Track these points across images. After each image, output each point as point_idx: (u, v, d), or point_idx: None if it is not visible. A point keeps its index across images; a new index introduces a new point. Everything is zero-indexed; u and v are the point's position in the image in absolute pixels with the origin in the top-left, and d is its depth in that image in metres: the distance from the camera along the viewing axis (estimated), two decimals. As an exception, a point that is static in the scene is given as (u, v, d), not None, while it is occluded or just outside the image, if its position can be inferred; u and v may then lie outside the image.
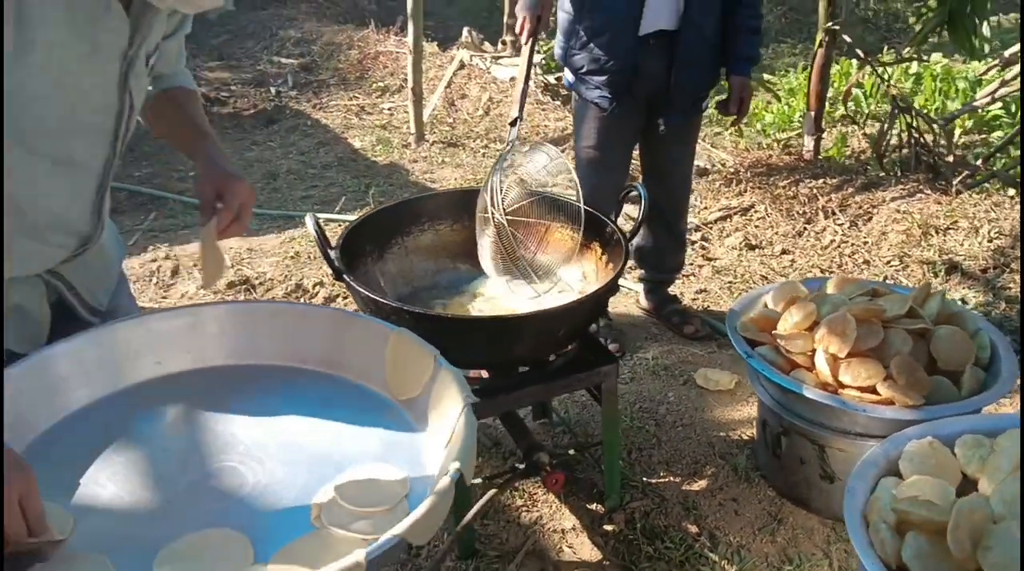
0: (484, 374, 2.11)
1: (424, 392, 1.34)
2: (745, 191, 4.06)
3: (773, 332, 2.24)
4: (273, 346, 1.46)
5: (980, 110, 4.25)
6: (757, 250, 3.67)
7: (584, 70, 2.75)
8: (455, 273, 2.34)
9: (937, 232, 3.51)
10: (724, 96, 2.91)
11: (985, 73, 4.32)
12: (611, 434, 2.19)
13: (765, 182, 4.08)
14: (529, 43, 2.51)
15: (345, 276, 1.94)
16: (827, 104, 4.53)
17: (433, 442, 1.27)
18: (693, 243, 3.76)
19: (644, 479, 2.39)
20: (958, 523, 1.47)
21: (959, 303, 2.80)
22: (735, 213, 3.93)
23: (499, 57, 5.77)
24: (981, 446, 1.69)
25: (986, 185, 3.76)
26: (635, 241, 3.24)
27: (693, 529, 2.23)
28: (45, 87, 1.21)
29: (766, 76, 5.26)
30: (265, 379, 1.43)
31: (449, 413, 1.26)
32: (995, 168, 4.01)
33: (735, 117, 2.90)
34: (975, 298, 3.20)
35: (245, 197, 1.42)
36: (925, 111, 4.23)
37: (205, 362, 1.45)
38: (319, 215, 2.30)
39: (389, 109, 5.50)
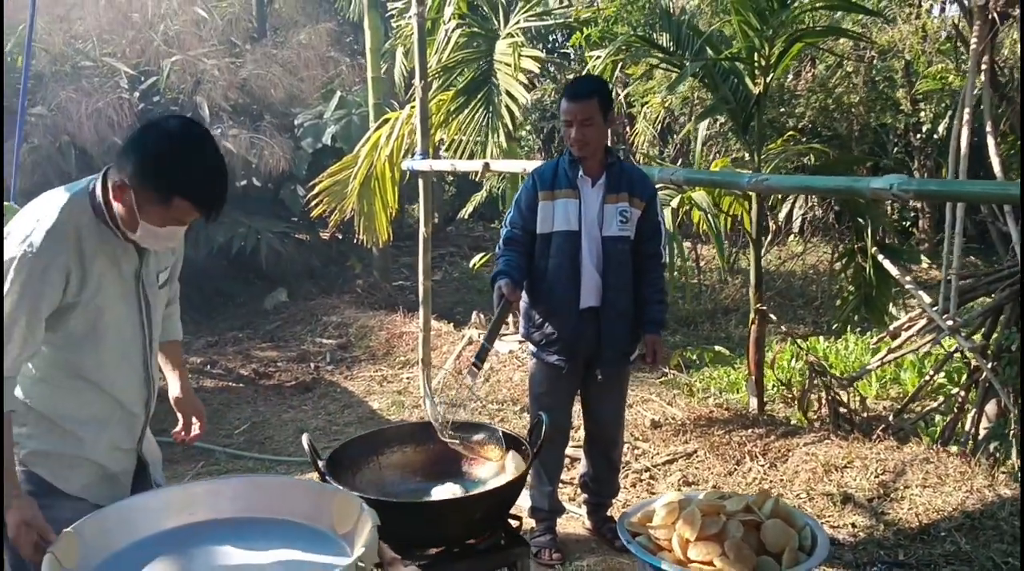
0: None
1: (352, 526, 2.15)
2: (690, 440, 4.85)
3: (647, 525, 2.98)
4: (262, 504, 2.29)
5: (874, 372, 5.10)
6: (692, 486, 4.40)
7: (542, 342, 3.69)
8: (416, 483, 3.13)
9: (836, 470, 4.23)
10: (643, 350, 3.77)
11: (877, 342, 5.19)
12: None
13: (707, 432, 4.86)
14: (497, 315, 3.43)
15: (327, 477, 2.77)
16: (767, 369, 5.40)
17: (354, 550, 2.05)
18: (641, 480, 4.50)
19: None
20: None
21: (794, 507, 3.46)
22: (680, 457, 4.69)
23: (503, 334, 6.82)
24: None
25: (874, 431, 4.52)
26: (580, 470, 4.02)
27: None
28: (105, 300, 2.15)
29: (717, 348, 6.19)
30: (256, 523, 2.24)
31: (365, 536, 2.06)
32: (903, 421, 4.79)
33: (652, 364, 3.77)
34: (862, 522, 3.87)
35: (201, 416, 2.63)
36: (838, 375, 5.08)
37: (220, 514, 2.28)
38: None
39: (407, 378, 6.48)
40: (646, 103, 11.99)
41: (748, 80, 5.11)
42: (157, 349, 2.41)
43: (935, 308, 4.60)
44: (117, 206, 2.06)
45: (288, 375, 6.82)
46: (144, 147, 2.03)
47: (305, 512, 2.26)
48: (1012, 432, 4.05)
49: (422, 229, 5.74)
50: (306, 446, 2.82)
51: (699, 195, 4.96)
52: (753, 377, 5.30)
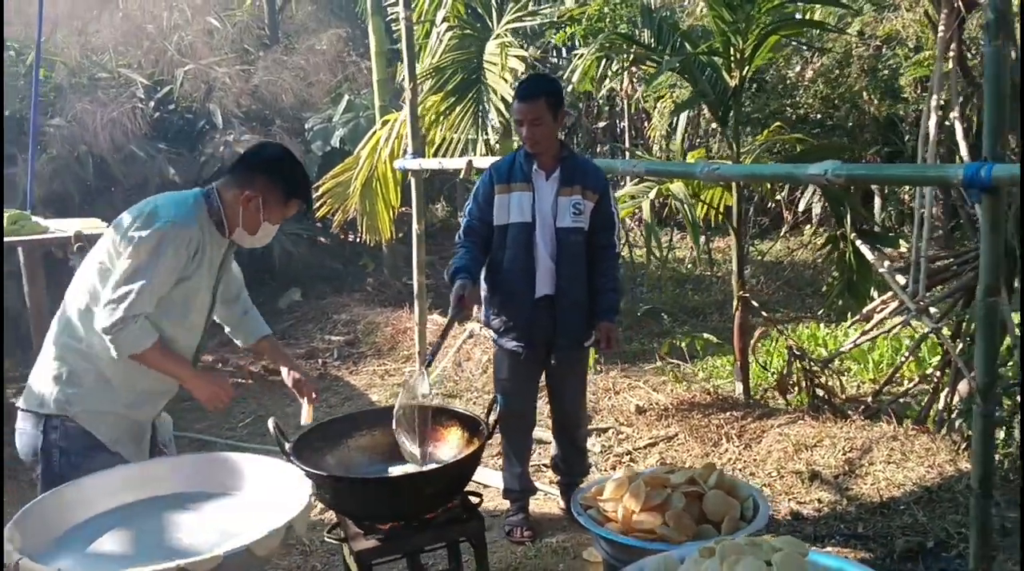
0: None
1: (292, 496, 2.34)
2: (672, 424, 4.99)
3: (598, 498, 3.14)
4: (214, 479, 2.49)
5: (846, 354, 5.22)
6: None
7: (501, 329, 3.87)
8: (384, 464, 3.32)
9: (807, 449, 4.35)
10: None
11: (852, 325, 5.28)
12: (482, 575, 3.06)
13: (688, 417, 5.00)
14: (451, 314, 3.65)
15: (291, 457, 2.96)
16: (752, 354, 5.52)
17: (291, 514, 2.24)
18: (621, 463, 4.66)
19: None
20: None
21: (742, 478, 3.55)
22: (661, 440, 4.84)
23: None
24: (700, 560, 2.53)
25: (850, 412, 4.64)
26: (551, 453, 4.19)
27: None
28: (199, 281, 2.72)
29: (707, 335, 6.31)
30: (207, 497, 2.45)
31: (300, 504, 2.25)
32: (881, 402, 4.91)
33: (606, 350, 3.92)
34: (827, 497, 4.00)
35: (313, 384, 3.15)
36: (816, 357, 5.19)
37: (174, 490, 2.49)
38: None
39: (409, 371, 6.68)
40: (660, 98, 12.09)
41: (724, 73, 5.23)
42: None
43: (907, 290, 4.69)
44: (243, 211, 2.69)
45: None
46: (270, 165, 2.75)
47: (252, 485, 2.47)
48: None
49: (415, 226, 5.94)
50: (271, 429, 3.01)
51: (676, 186, 5.09)
52: (738, 363, 5.42)
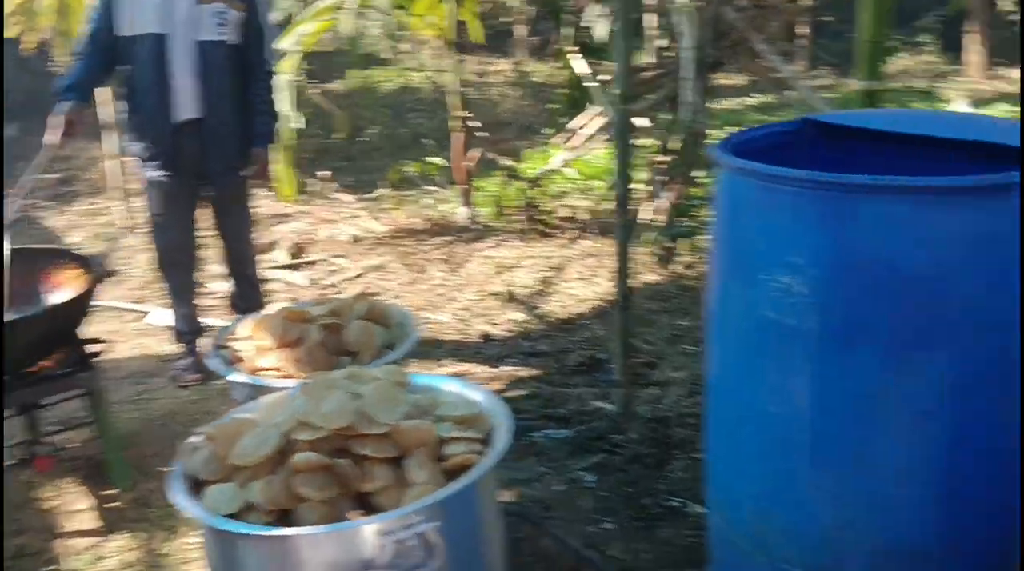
0: None
1: None
2: (384, 253, 4.77)
3: (230, 338, 2.88)
4: None
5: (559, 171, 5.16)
6: (374, 297, 4.34)
7: (145, 157, 3.42)
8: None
9: (508, 270, 4.27)
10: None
11: (566, 142, 5.19)
12: (104, 428, 2.78)
13: (401, 244, 4.80)
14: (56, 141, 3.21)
15: None
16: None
17: None
18: (325, 295, 4.42)
19: (157, 469, 2.97)
20: (218, 435, 2.09)
21: (396, 303, 3.41)
22: (371, 270, 4.62)
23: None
24: (298, 397, 2.29)
25: (557, 233, 4.59)
26: (227, 289, 3.88)
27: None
28: None
29: (437, 160, 6.06)
30: None
31: None
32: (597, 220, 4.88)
33: (260, 180, 3.59)
34: (520, 317, 3.93)
35: None
36: (530, 178, 5.07)
37: None
38: None
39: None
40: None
41: None
42: None
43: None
44: None
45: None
46: None
47: None
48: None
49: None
50: None
51: (380, -1, 4.66)
52: (461, 186, 5.23)
